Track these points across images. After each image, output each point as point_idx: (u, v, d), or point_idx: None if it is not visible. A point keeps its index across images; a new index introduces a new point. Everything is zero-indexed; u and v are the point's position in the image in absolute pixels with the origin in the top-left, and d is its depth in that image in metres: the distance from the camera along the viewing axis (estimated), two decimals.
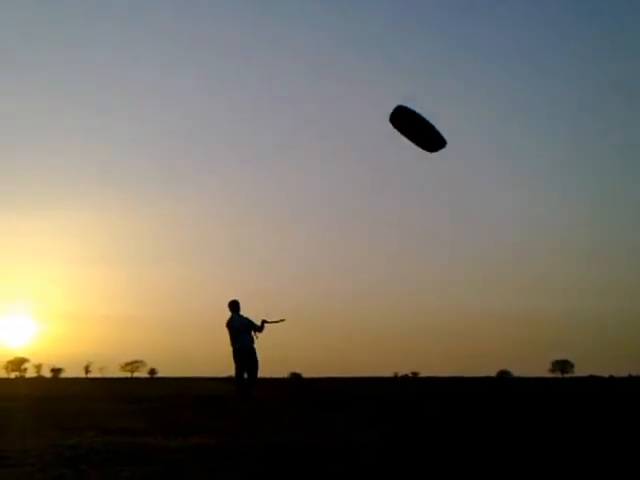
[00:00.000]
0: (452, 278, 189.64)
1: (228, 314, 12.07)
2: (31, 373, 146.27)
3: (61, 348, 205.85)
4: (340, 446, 5.30)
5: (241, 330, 11.95)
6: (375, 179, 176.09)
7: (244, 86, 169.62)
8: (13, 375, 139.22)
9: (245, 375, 12.05)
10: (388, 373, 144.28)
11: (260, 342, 12.21)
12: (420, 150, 7.88)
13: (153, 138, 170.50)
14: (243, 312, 12.18)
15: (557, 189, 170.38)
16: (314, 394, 19.49)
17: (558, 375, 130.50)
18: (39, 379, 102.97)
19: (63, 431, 6.40)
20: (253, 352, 12.00)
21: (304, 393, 20.60)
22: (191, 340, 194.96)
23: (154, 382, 55.75)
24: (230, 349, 12.03)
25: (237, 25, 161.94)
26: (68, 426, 6.98)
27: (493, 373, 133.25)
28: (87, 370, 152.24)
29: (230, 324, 11.97)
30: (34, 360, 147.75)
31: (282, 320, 12.25)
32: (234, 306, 12.14)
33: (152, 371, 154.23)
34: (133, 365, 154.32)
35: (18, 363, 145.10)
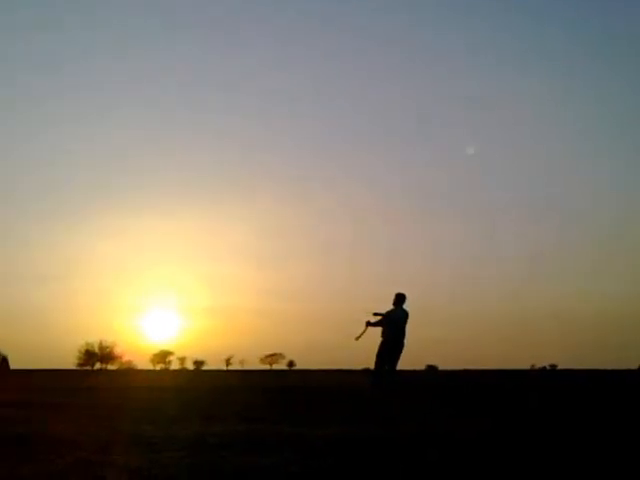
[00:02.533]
0: (598, 267, 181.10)
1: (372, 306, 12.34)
2: (175, 366, 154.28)
3: (204, 342, 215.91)
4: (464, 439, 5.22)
5: (399, 323, 12.13)
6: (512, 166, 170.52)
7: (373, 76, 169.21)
8: (158, 367, 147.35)
9: (386, 367, 12.22)
10: (525, 365, 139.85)
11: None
12: None
13: (294, 141, 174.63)
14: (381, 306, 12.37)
15: None
16: (445, 387, 19.25)
17: None
18: (183, 371, 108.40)
19: (207, 420, 6.72)
20: (402, 346, 12.17)
21: (435, 386, 20.40)
22: (329, 333, 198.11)
23: (292, 374, 57.18)
24: (379, 340, 12.20)
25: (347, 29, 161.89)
26: (211, 415, 7.32)
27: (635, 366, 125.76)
28: (228, 362, 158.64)
29: (390, 315, 12.15)
30: (178, 353, 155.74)
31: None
32: (399, 299, 12.32)
33: (290, 363, 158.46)
34: (272, 357, 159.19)
35: (163, 356, 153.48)
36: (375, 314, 12.25)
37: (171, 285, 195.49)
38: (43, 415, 7.33)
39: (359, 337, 12.33)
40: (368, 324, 12.22)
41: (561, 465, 4.03)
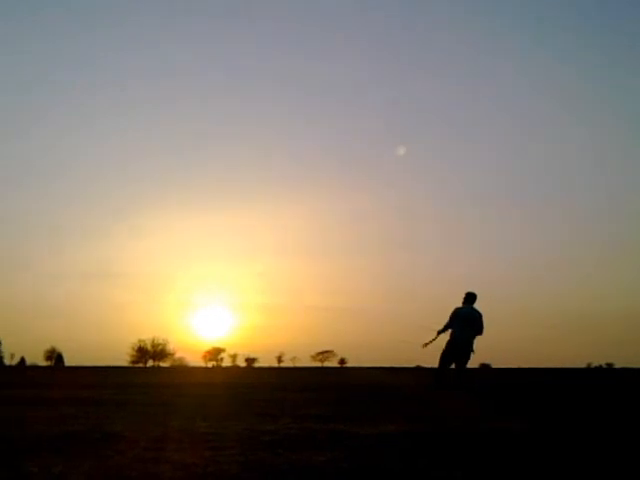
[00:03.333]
0: None
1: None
2: (227, 362, 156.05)
3: (255, 339, 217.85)
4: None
5: (467, 321, 11.92)
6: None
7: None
8: (210, 364, 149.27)
9: (452, 366, 12.05)
10: (581, 364, 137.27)
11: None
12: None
13: (345, 136, 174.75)
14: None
15: None
16: (497, 385, 19.05)
17: None
18: (234, 368, 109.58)
19: (259, 417, 6.79)
20: (470, 346, 11.94)
21: (488, 384, 20.22)
22: (381, 331, 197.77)
23: (343, 371, 57.25)
24: (446, 338, 12.05)
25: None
26: (263, 412, 7.40)
27: None
28: (279, 360, 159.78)
29: (458, 312, 11.99)
30: (230, 350, 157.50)
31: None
32: (469, 298, 12.17)
33: (342, 361, 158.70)
34: (323, 355, 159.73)
35: (215, 353, 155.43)
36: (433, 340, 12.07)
37: (223, 281, 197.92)
38: (98, 412, 7.49)
39: (427, 344, 12.14)
40: (439, 332, 12.06)
41: (605, 467, 3.96)
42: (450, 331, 11.95)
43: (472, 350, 11.97)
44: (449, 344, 11.88)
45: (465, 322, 11.86)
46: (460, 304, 12.14)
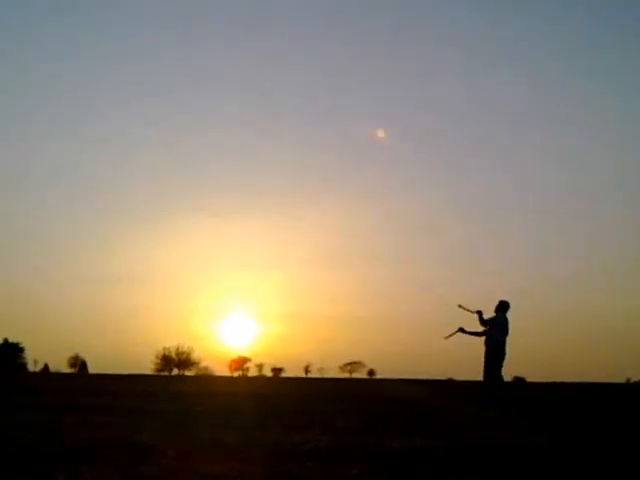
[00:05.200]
0: None
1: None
2: (252, 372, 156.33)
3: (282, 349, 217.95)
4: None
5: (504, 328, 12.18)
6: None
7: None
8: (236, 374, 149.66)
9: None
10: (620, 379, 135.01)
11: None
12: None
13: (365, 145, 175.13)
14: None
15: None
16: (529, 400, 18.84)
17: None
18: (260, 378, 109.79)
19: (288, 428, 6.81)
20: (505, 354, 12.17)
21: (520, 399, 20.01)
22: (411, 341, 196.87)
23: (372, 383, 57.06)
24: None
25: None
26: (291, 423, 7.41)
27: None
28: (307, 370, 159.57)
29: (495, 320, 12.23)
30: (256, 360, 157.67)
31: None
32: (503, 306, 12.39)
33: (371, 372, 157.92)
34: (352, 366, 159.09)
35: (241, 362, 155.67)
36: (468, 311, 12.34)
37: (249, 290, 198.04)
38: (123, 421, 7.57)
39: (449, 337, 12.46)
40: (461, 330, 12.33)
41: None
42: (487, 339, 12.17)
43: (504, 354, 12.23)
44: (490, 352, 12.13)
45: (503, 329, 12.15)
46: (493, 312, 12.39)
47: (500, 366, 12.13)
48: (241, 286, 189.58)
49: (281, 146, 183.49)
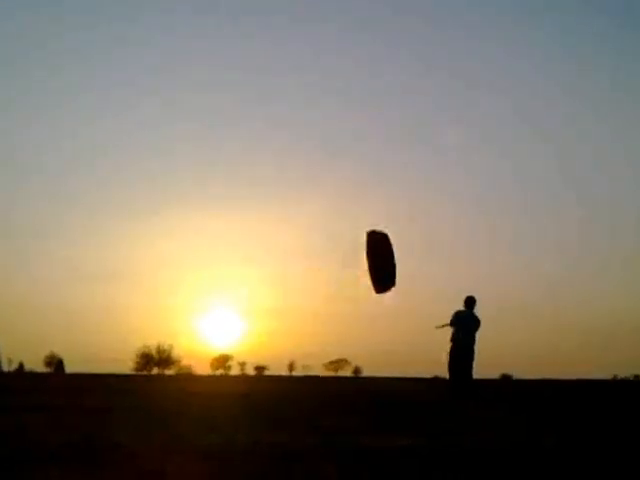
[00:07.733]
0: None
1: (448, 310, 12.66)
2: (235, 371, 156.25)
3: (265, 346, 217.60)
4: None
5: (469, 326, 12.31)
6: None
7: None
8: (218, 372, 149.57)
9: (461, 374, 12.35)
10: (607, 375, 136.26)
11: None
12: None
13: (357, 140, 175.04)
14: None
15: None
16: (517, 397, 18.95)
17: None
18: (243, 376, 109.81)
19: (272, 428, 6.75)
20: (473, 353, 12.30)
21: (507, 396, 20.11)
22: (397, 339, 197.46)
23: (358, 381, 57.22)
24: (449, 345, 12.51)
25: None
26: (275, 423, 7.36)
27: None
28: (291, 368, 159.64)
29: (459, 315, 12.36)
30: (238, 358, 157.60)
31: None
32: (469, 302, 12.55)
33: (356, 370, 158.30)
34: (337, 364, 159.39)
35: (222, 360, 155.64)
36: (444, 325, 12.67)
37: (231, 286, 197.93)
38: (100, 421, 7.48)
39: (440, 327, 12.57)
40: (451, 324, 12.55)
41: None
42: (452, 336, 12.35)
43: (474, 353, 12.46)
44: (454, 350, 12.30)
45: (468, 327, 12.32)
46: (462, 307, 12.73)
47: (469, 366, 12.29)
48: (224, 282, 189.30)
49: (265, 137, 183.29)
